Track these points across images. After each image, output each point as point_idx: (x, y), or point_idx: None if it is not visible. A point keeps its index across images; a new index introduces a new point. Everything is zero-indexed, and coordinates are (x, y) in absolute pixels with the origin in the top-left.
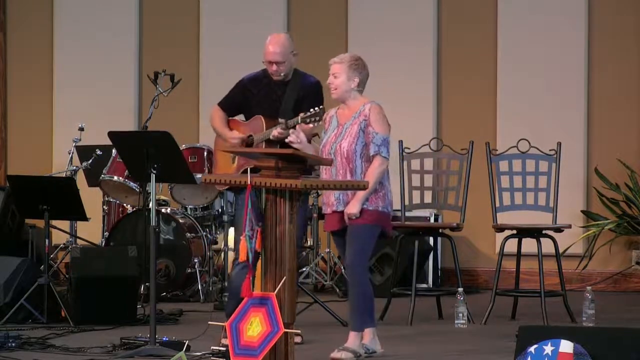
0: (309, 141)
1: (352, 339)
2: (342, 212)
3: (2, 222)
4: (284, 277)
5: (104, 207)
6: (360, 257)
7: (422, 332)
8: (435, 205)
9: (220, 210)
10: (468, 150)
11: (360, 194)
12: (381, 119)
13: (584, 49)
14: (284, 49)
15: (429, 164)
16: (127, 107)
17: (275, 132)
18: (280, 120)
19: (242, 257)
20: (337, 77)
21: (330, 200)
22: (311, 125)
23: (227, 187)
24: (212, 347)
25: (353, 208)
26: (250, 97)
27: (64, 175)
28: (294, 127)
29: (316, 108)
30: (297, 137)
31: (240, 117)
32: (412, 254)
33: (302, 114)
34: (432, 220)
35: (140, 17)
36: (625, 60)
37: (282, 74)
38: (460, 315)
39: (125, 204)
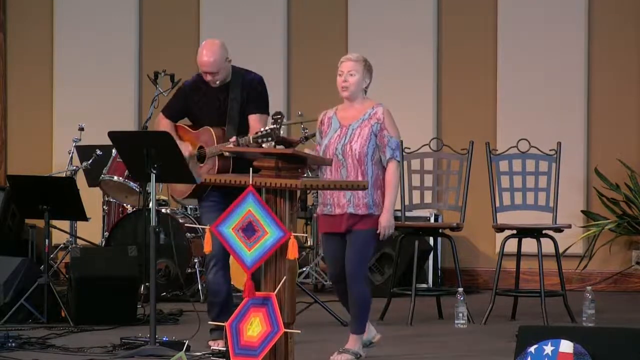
0: (307, 139)
1: (353, 341)
2: (352, 214)
3: (2, 222)
4: (284, 277)
5: (104, 207)
6: (363, 264)
7: (422, 332)
8: (435, 205)
9: None
10: (468, 150)
11: (389, 204)
12: (393, 123)
13: (584, 48)
14: (217, 57)
15: (429, 164)
16: (127, 107)
17: (228, 147)
18: (232, 138)
19: (208, 248)
20: (354, 75)
21: (341, 202)
22: (264, 145)
23: (186, 195)
24: (212, 348)
25: (390, 220)
26: (192, 104)
27: (64, 175)
28: (246, 145)
29: (267, 128)
30: None
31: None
32: (412, 254)
33: (253, 134)
34: (432, 220)
35: (140, 17)
36: (625, 60)
37: (217, 83)
38: (460, 315)
39: (125, 204)
